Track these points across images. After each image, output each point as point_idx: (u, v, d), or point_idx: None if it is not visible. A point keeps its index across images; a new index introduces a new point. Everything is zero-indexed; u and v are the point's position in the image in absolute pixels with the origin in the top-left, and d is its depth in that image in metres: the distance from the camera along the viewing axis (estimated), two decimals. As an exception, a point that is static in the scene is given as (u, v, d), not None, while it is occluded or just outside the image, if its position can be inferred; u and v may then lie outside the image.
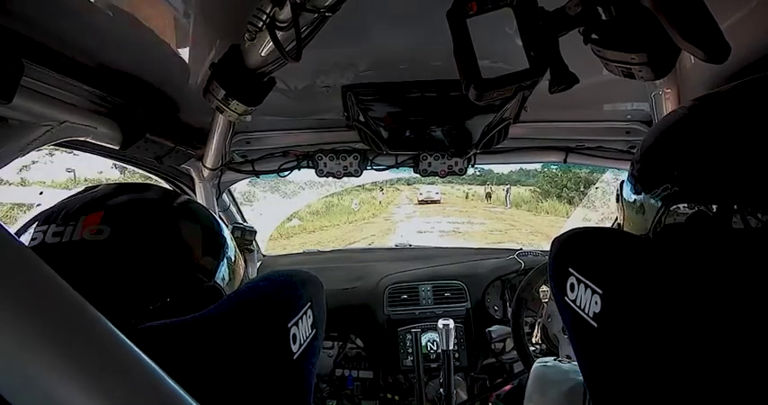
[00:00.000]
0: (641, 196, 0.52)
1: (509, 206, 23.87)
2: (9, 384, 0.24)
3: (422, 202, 25.52)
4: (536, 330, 1.49)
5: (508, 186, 26.14)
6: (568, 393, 0.64)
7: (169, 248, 0.58)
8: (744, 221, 0.39)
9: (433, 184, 24.04)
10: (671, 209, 0.46)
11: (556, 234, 0.56)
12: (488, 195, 26.59)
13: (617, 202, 0.62)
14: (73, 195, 0.60)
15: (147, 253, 0.55)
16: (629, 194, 0.55)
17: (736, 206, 0.40)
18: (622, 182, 0.58)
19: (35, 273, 0.26)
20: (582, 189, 20.11)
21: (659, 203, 0.48)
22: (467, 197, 29.30)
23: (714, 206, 0.42)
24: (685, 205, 0.45)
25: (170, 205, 0.63)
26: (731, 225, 0.40)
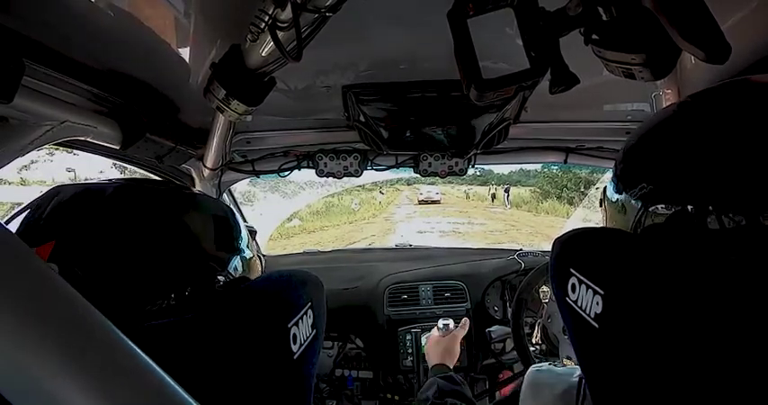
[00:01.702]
0: (623, 196, 0.52)
1: (509, 207, 23.81)
2: (10, 384, 0.24)
3: (422, 203, 25.43)
4: (536, 330, 1.49)
5: (507, 187, 26.03)
6: (562, 395, 0.64)
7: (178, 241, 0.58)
8: (732, 222, 0.39)
9: (433, 184, 24.02)
10: (650, 209, 0.47)
11: (556, 235, 0.56)
12: (493, 196, 26.19)
13: (600, 205, 0.62)
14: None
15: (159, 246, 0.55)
16: (611, 194, 0.55)
17: (720, 208, 0.40)
18: (605, 188, 0.58)
19: (35, 272, 0.26)
20: (582, 189, 20.09)
21: (639, 203, 0.48)
22: (467, 197, 29.17)
23: (695, 207, 0.42)
24: (663, 206, 0.45)
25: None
26: (718, 226, 0.40)
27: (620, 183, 0.53)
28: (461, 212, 21.72)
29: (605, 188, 0.58)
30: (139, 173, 1.48)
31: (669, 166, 0.46)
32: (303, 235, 15.38)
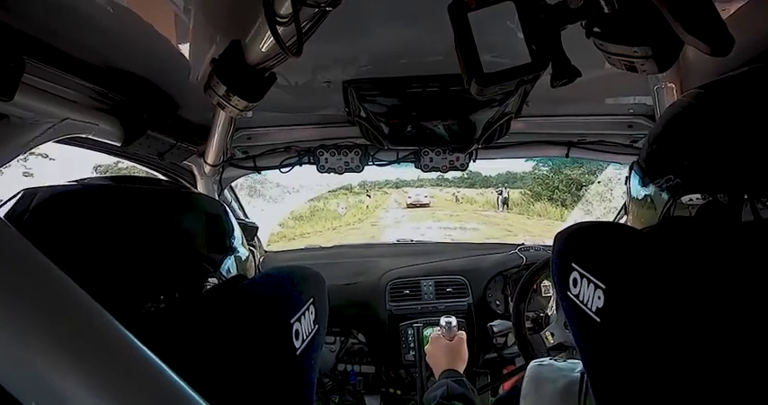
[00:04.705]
0: (648, 187, 0.52)
1: (501, 209, 23.19)
2: (10, 376, 0.24)
3: (410, 206, 24.87)
4: (551, 302, 1.51)
5: (501, 189, 25.23)
6: (563, 390, 0.64)
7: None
8: (754, 212, 0.39)
9: (421, 187, 23.71)
10: (678, 200, 0.47)
11: None
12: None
13: (625, 183, 0.61)
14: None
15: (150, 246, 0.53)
16: (637, 189, 0.55)
17: (745, 196, 0.40)
18: (632, 164, 0.58)
19: (35, 266, 0.26)
20: (573, 191, 19.66)
21: (667, 194, 0.48)
22: (456, 200, 28.07)
23: (724, 196, 0.42)
24: (693, 196, 0.45)
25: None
26: (740, 216, 0.40)
27: (647, 176, 0.53)
28: (452, 216, 20.93)
29: (628, 184, 0.58)
30: (138, 168, 1.48)
31: (696, 158, 0.46)
32: (282, 242, 14.25)
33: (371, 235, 15.76)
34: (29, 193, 0.53)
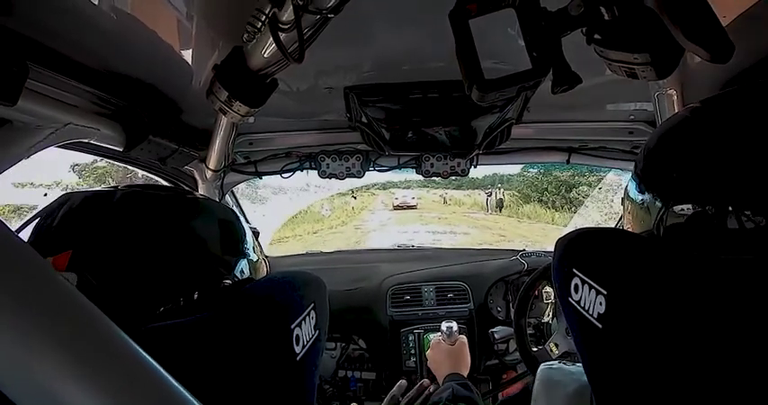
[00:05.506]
0: (644, 195, 0.52)
1: (490, 211, 22.42)
2: (12, 384, 0.24)
3: (397, 208, 24.02)
4: (549, 309, 1.49)
5: (490, 190, 24.73)
6: (574, 394, 0.64)
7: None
8: (743, 223, 0.39)
9: (408, 188, 23.35)
10: (670, 208, 0.47)
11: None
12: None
13: (622, 203, 0.62)
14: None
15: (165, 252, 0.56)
16: (633, 193, 0.55)
17: (735, 208, 0.40)
18: (626, 188, 0.58)
19: (38, 273, 0.26)
20: (563, 192, 19.17)
21: (660, 202, 0.48)
22: (444, 202, 27.02)
23: (713, 208, 0.42)
24: (684, 206, 0.45)
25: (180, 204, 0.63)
26: (730, 227, 0.40)
27: (642, 184, 0.53)
28: (440, 219, 19.75)
29: (626, 188, 0.58)
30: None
31: (688, 168, 0.46)
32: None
33: (355, 240, 14.89)
34: (63, 199, 0.57)
